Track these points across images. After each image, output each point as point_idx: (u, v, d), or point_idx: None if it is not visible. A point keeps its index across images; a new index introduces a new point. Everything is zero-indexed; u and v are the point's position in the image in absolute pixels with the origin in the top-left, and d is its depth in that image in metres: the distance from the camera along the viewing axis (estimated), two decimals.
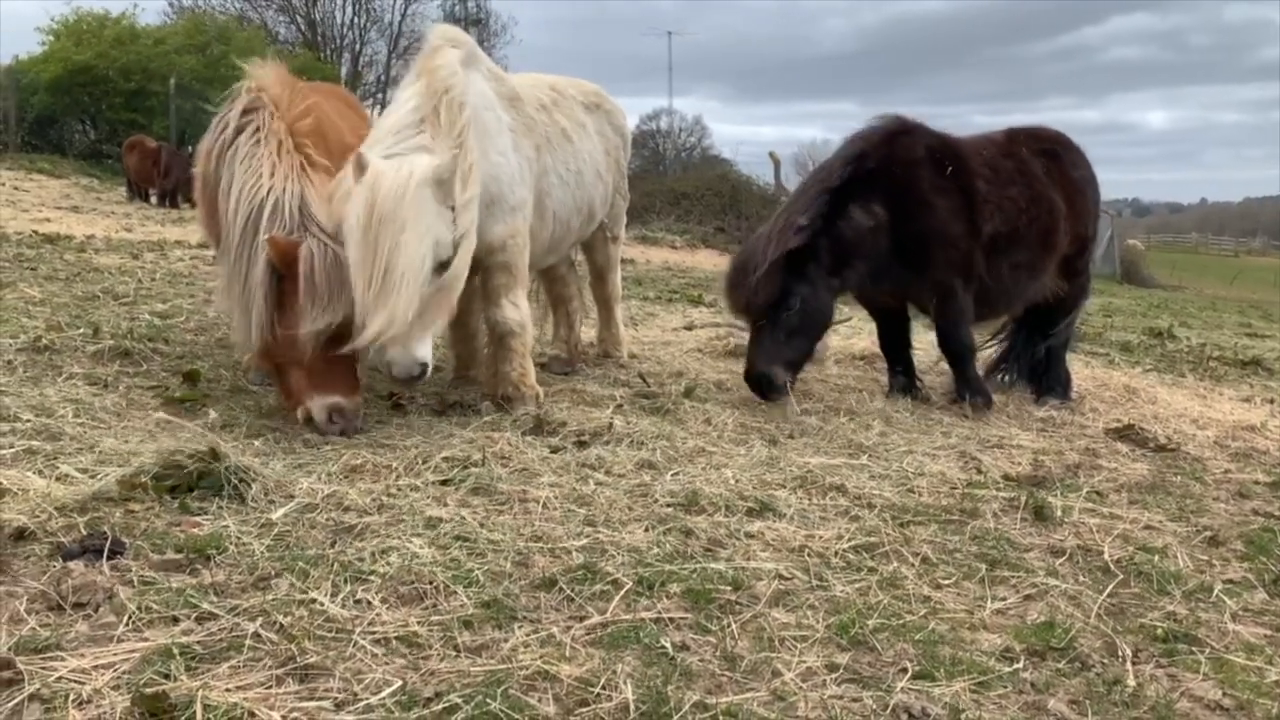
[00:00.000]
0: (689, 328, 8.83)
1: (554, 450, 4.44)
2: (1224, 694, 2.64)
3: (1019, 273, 6.36)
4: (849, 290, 6.05)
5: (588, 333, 7.08)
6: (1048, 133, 6.92)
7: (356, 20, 40.32)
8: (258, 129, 4.74)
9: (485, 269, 5.13)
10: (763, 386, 5.64)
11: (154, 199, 20.34)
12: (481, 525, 3.42)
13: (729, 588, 3.06)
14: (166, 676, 2.30)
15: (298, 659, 2.43)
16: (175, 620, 2.58)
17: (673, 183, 29.88)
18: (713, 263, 17.92)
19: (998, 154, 6.39)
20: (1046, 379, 6.75)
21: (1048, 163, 6.59)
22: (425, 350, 4.43)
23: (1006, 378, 7.01)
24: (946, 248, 5.96)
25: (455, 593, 2.86)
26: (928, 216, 5.91)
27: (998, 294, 6.35)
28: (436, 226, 4.33)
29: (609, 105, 6.53)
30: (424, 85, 4.73)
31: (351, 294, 4.29)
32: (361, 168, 4.28)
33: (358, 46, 40.74)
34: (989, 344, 7.14)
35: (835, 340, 7.64)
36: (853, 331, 8.53)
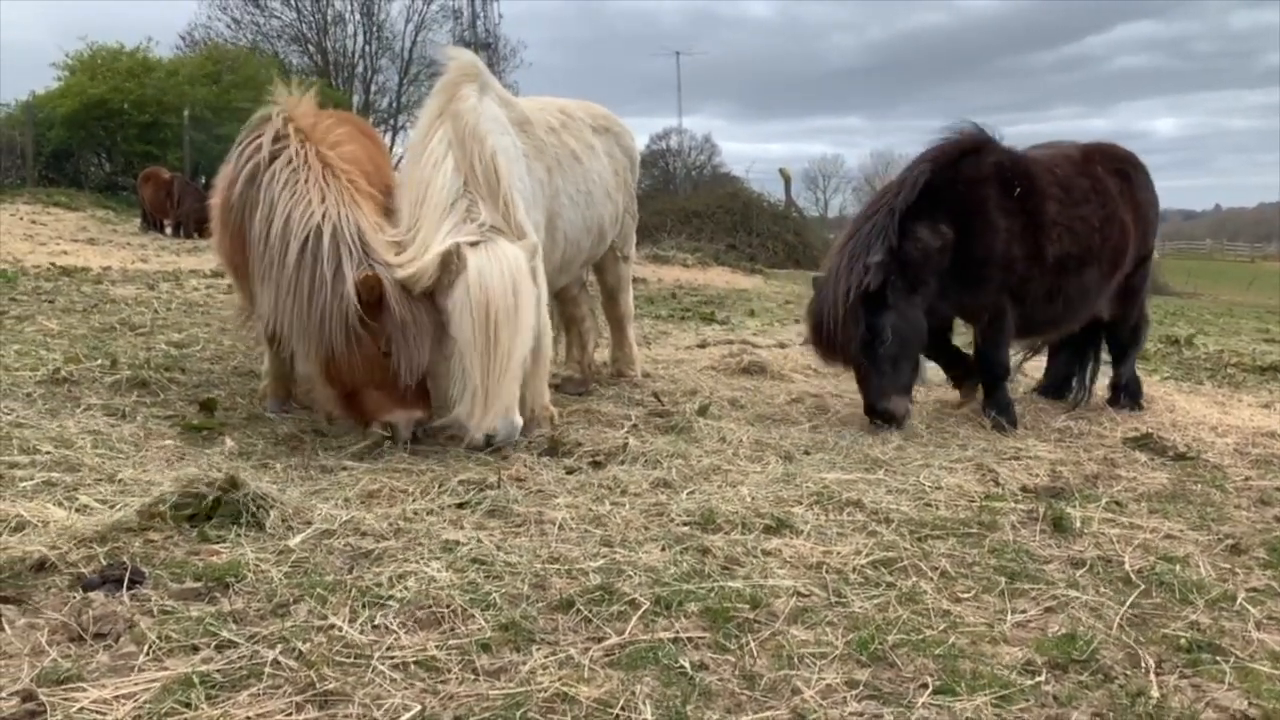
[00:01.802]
0: (702, 346, 8.84)
1: (569, 471, 4.46)
2: (1249, 704, 2.61)
3: (1085, 292, 6.35)
4: (926, 305, 5.88)
5: (601, 353, 7.10)
6: (1121, 152, 6.93)
7: (368, 48, 40.78)
8: (296, 156, 4.77)
9: None
10: (888, 421, 5.64)
11: (168, 229, 20.55)
12: (498, 548, 3.43)
13: (747, 606, 3.05)
14: (187, 705, 2.31)
15: (317, 685, 2.43)
16: (195, 649, 2.60)
17: (683, 201, 29.92)
18: (724, 280, 17.91)
19: (1073, 172, 6.34)
20: (1126, 391, 6.97)
21: (1120, 183, 6.59)
22: (518, 413, 4.75)
23: (1077, 396, 6.97)
24: (1003, 270, 5.92)
25: (473, 616, 2.87)
26: (989, 237, 5.85)
27: (1061, 312, 6.34)
28: (533, 309, 4.62)
29: (617, 127, 6.59)
30: (451, 132, 4.79)
31: (432, 326, 4.57)
32: (456, 259, 4.48)
33: (369, 74, 41.16)
34: (1029, 358, 7.26)
35: None
36: None
